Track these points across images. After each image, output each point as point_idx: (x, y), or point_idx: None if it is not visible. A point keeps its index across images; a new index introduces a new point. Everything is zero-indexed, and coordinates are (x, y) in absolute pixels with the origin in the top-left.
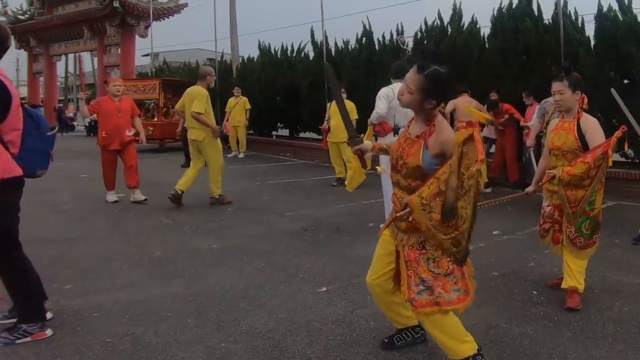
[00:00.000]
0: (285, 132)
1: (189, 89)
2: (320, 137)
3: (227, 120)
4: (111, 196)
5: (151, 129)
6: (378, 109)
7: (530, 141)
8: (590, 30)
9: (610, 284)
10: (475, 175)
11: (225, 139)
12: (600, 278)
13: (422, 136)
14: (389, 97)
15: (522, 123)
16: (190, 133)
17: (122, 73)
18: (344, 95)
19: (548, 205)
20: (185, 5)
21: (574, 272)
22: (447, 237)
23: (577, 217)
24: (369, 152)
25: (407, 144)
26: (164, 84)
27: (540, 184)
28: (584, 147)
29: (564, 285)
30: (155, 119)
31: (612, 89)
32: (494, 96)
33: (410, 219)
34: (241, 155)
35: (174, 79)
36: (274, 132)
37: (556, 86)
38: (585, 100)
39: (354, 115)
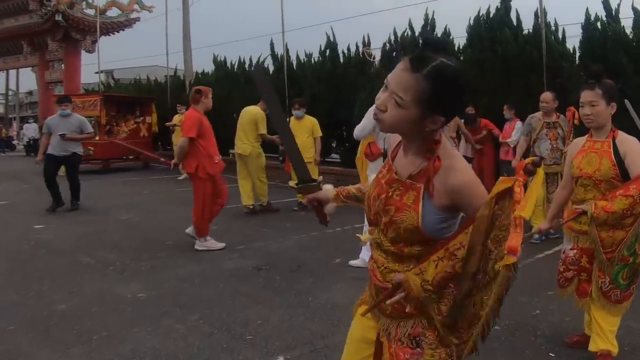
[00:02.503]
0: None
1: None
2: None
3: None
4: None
5: (92, 148)
6: (358, 129)
7: (515, 161)
8: (572, 41)
9: (638, 337)
10: (506, 259)
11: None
12: (625, 330)
13: (421, 177)
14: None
15: (500, 139)
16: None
17: (66, 89)
18: (301, 112)
19: (572, 249)
20: (137, 19)
21: (606, 332)
22: (455, 343)
23: (614, 264)
24: (331, 202)
25: (394, 189)
26: (106, 100)
27: (561, 222)
28: (623, 174)
29: (592, 347)
30: (97, 138)
31: (626, 100)
32: (471, 111)
33: (407, 309)
34: None
35: (119, 94)
36: (230, 151)
37: (586, 96)
38: (577, 115)
39: (317, 132)
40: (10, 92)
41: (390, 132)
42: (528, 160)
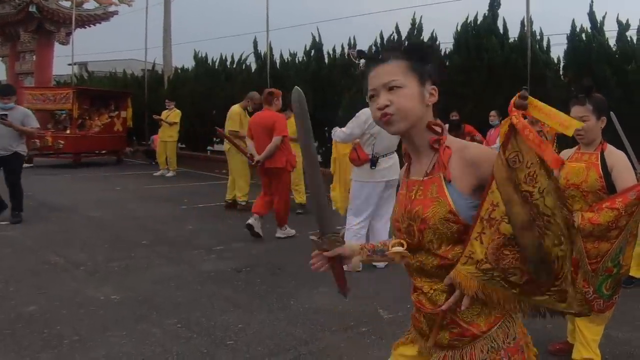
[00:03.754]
0: (221, 147)
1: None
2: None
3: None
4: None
5: (62, 141)
6: (343, 130)
7: None
8: (556, 51)
9: (618, 345)
10: (549, 187)
11: (152, 155)
12: (606, 338)
13: (437, 168)
14: (366, 124)
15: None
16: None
17: (37, 81)
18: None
19: None
20: (116, 13)
21: (589, 341)
22: (548, 296)
23: (598, 275)
24: (356, 257)
25: (415, 191)
26: (79, 93)
27: None
28: (609, 187)
29: (576, 356)
30: (68, 131)
31: (612, 113)
32: (455, 116)
33: (464, 304)
34: (170, 174)
35: (92, 88)
36: (209, 148)
37: (577, 111)
38: None
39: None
40: None
41: (405, 125)
42: (514, 98)
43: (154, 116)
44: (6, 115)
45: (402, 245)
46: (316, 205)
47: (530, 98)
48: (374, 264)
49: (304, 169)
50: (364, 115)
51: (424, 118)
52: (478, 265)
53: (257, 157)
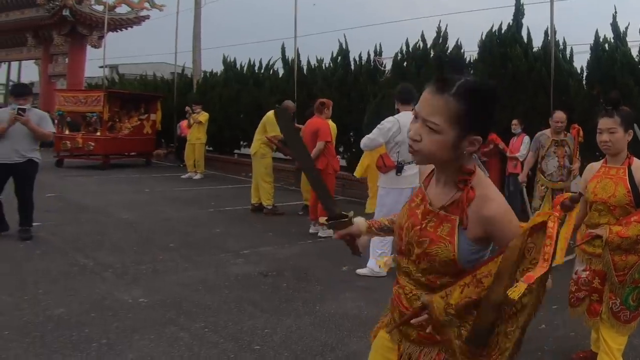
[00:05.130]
0: (249, 150)
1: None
2: (288, 157)
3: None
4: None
5: (92, 143)
6: (367, 139)
7: (522, 176)
8: (579, 61)
9: None
10: (537, 289)
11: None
12: (628, 346)
13: (455, 208)
14: (390, 132)
15: (508, 154)
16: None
17: (69, 83)
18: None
19: (584, 270)
20: (147, 17)
21: (613, 350)
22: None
23: (625, 286)
24: (363, 235)
25: (428, 221)
26: (110, 96)
27: (575, 244)
28: (637, 201)
29: None
30: (98, 133)
31: (635, 125)
32: None
33: (428, 330)
34: (197, 176)
35: (123, 91)
36: (236, 151)
37: (605, 123)
38: (581, 132)
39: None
40: (11, 83)
41: (427, 162)
42: (566, 195)
43: (186, 108)
44: (24, 110)
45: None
46: (320, 195)
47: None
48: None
49: (300, 165)
50: (389, 123)
51: (455, 161)
52: (446, 307)
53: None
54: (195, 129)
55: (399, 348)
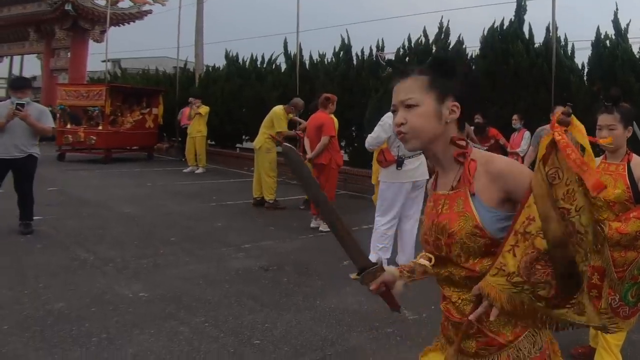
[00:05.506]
0: (250, 144)
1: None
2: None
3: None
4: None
5: (94, 137)
6: (371, 137)
7: None
8: (580, 57)
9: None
10: (585, 205)
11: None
12: (626, 341)
13: (462, 183)
14: (390, 128)
15: (509, 150)
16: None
17: (71, 78)
18: (332, 108)
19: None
20: (150, 12)
21: (611, 346)
22: (569, 308)
23: (624, 283)
24: (398, 282)
25: (442, 205)
26: (112, 90)
27: None
28: (636, 197)
29: None
30: (100, 127)
31: (634, 122)
32: (478, 119)
33: (492, 315)
34: (200, 170)
35: (125, 85)
36: (238, 145)
37: (604, 120)
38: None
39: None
40: (13, 77)
41: (419, 144)
42: (558, 112)
43: (189, 98)
44: (23, 105)
45: (430, 260)
46: (347, 246)
47: (573, 117)
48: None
49: (323, 215)
50: (388, 118)
51: (444, 134)
52: (509, 278)
53: (308, 155)
54: (196, 121)
55: None
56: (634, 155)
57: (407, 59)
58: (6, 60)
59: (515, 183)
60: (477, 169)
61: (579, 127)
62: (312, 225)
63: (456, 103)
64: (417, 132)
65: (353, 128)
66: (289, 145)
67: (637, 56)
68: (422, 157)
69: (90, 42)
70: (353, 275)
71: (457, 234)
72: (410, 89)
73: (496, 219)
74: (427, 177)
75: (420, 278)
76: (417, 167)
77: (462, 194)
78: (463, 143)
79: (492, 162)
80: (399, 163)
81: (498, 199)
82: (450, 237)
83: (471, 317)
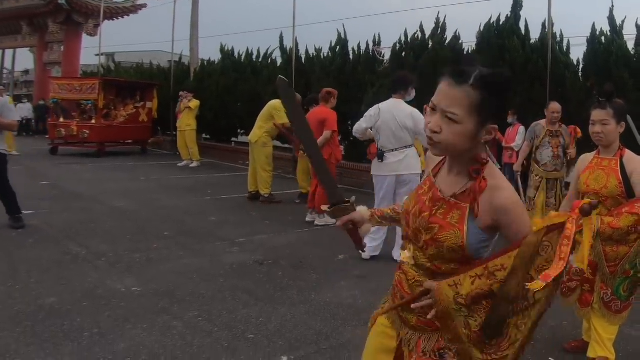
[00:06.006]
0: (246, 139)
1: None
2: (286, 145)
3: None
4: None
5: (87, 131)
6: (355, 127)
7: (517, 166)
8: (576, 53)
9: (631, 343)
10: (549, 287)
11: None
12: (618, 335)
13: (466, 196)
14: (373, 118)
15: (504, 144)
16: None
17: (64, 71)
18: (333, 103)
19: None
20: (144, 5)
21: (604, 340)
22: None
23: (616, 277)
24: (366, 223)
25: (437, 208)
26: (105, 84)
27: None
28: (628, 192)
29: (591, 354)
30: (93, 121)
31: (628, 116)
32: None
33: (430, 315)
34: (194, 164)
35: (118, 79)
36: (233, 139)
37: (597, 115)
38: (578, 131)
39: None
40: (5, 71)
41: (445, 154)
42: (586, 201)
43: (180, 93)
44: None
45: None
46: (323, 179)
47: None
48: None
49: (304, 149)
50: (372, 110)
51: (471, 151)
52: (456, 296)
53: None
54: (185, 115)
55: (398, 335)
56: (627, 151)
57: (403, 54)
58: None
59: (510, 222)
60: (484, 192)
61: (592, 221)
62: (307, 219)
63: (495, 125)
64: (448, 147)
65: (349, 122)
66: (283, 78)
67: (632, 52)
68: (408, 151)
69: (84, 35)
70: (324, 207)
71: (441, 242)
72: (457, 101)
73: (479, 240)
74: (416, 172)
75: (388, 225)
76: (401, 160)
77: (463, 208)
78: (485, 161)
79: (500, 192)
80: (379, 155)
81: (488, 225)
82: (433, 241)
83: (413, 305)
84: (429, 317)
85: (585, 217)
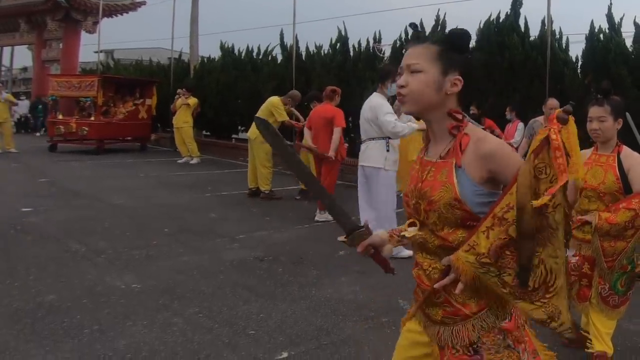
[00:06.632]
0: (246, 135)
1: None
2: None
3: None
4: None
5: (86, 128)
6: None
7: None
8: (575, 50)
9: (629, 337)
10: (562, 203)
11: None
12: (616, 329)
13: (451, 154)
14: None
15: (502, 139)
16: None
17: (63, 69)
18: (338, 100)
19: (574, 256)
20: (144, 3)
21: (602, 334)
22: (538, 306)
23: (614, 272)
24: (387, 245)
25: (427, 172)
26: (104, 81)
27: None
28: (626, 188)
29: (589, 349)
30: (92, 118)
31: (627, 113)
32: (473, 110)
33: (458, 289)
34: (194, 161)
35: (117, 76)
36: (233, 136)
37: (595, 112)
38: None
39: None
40: (3, 68)
41: (416, 108)
42: (558, 110)
43: (177, 90)
44: None
45: (416, 225)
46: (333, 211)
47: (570, 118)
48: (393, 255)
49: (306, 185)
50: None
51: (442, 105)
52: (478, 258)
53: (328, 154)
54: (182, 112)
55: (427, 334)
56: (624, 147)
57: (403, 51)
58: None
59: (502, 165)
60: (469, 144)
61: (571, 129)
62: (316, 218)
63: (459, 77)
64: (416, 96)
65: (350, 119)
66: (259, 116)
67: (630, 50)
68: (372, 143)
69: (83, 33)
70: (341, 238)
71: (436, 203)
72: (419, 55)
73: (477, 194)
74: (375, 165)
75: (409, 242)
76: (363, 151)
77: (449, 164)
78: (459, 116)
79: (484, 141)
80: (358, 147)
81: (483, 177)
82: (430, 205)
83: (436, 285)
84: (456, 291)
85: (564, 124)
